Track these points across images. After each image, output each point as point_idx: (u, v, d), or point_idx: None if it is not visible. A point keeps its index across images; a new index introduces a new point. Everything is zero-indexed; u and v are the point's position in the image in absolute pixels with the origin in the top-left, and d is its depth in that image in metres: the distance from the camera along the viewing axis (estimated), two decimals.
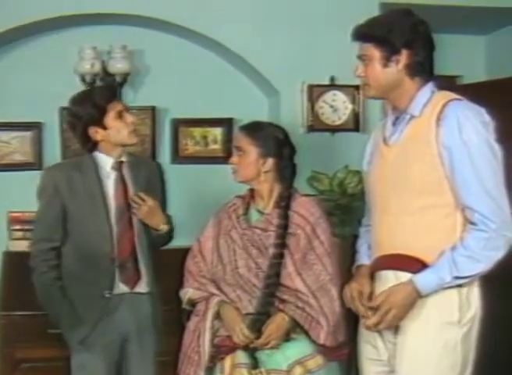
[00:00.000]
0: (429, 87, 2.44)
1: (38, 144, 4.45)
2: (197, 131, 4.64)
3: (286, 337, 2.80)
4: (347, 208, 4.10)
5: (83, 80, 4.33)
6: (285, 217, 2.87)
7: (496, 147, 2.33)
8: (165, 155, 4.61)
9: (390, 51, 2.40)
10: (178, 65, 4.57)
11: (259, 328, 2.77)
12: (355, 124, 4.47)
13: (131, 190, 3.07)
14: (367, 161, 2.66)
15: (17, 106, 4.37)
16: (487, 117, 2.36)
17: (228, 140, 4.53)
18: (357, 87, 4.30)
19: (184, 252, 3.04)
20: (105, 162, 3.07)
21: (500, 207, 2.30)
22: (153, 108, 4.53)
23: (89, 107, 3.00)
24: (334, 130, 4.49)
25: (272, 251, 2.84)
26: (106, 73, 4.38)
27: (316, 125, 4.45)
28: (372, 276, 2.52)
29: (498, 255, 2.31)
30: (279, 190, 2.94)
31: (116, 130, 3.03)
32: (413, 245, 2.39)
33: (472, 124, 2.31)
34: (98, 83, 4.31)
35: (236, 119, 4.50)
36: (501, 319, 3.50)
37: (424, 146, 2.35)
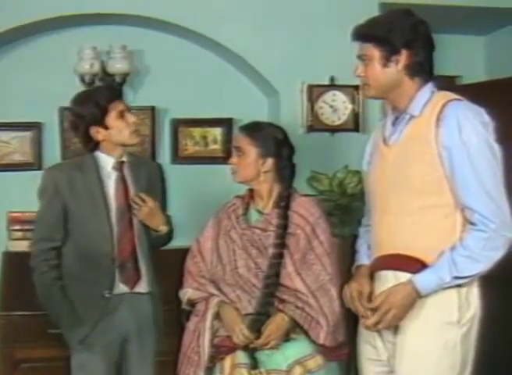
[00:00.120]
0: (429, 87, 2.44)
1: (38, 145, 4.45)
2: (197, 131, 4.64)
3: (286, 337, 2.80)
4: (347, 209, 4.10)
5: (82, 80, 4.33)
6: (284, 217, 2.87)
7: (496, 147, 2.33)
8: (164, 155, 4.61)
9: (390, 51, 2.40)
10: (178, 65, 4.57)
11: (259, 328, 2.77)
12: (355, 124, 4.47)
13: (132, 190, 3.07)
14: (366, 161, 2.66)
15: (17, 106, 4.36)
16: (487, 117, 2.36)
17: (228, 140, 4.53)
18: (356, 88, 4.31)
19: (184, 252, 3.04)
20: (106, 162, 3.08)
21: (500, 207, 2.30)
22: (152, 109, 4.53)
23: (91, 107, 3.00)
24: (334, 130, 4.49)
25: (271, 251, 2.84)
26: (105, 73, 4.38)
27: (316, 125, 4.45)
28: (372, 277, 2.53)
29: (497, 255, 2.31)
30: (279, 190, 2.94)
31: (118, 130, 3.03)
32: (412, 245, 2.39)
33: (472, 124, 2.31)
34: (98, 83, 4.31)
35: (236, 120, 4.50)
36: (500, 319, 3.50)
37: (424, 146, 2.35)
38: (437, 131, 2.33)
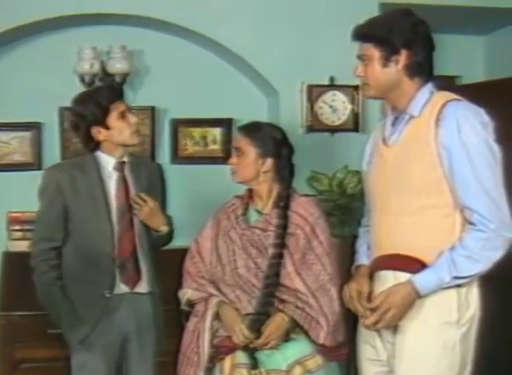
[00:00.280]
0: (428, 87, 2.44)
1: (38, 145, 4.44)
2: (197, 131, 4.64)
3: (286, 338, 2.80)
4: (347, 209, 4.11)
5: (82, 80, 4.33)
6: (284, 217, 2.87)
7: (495, 147, 2.33)
8: (164, 155, 4.61)
9: (390, 51, 2.40)
10: (177, 65, 4.57)
11: (258, 328, 2.77)
12: (354, 124, 4.47)
13: (132, 190, 3.08)
14: (366, 161, 2.66)
15: (17, 106, 4.37)
16: (486, 118, 2.36)
17: (227, 140, 4.54)
18: (356, 88, 4.31)
19: (184, 252, 3.04)
20: (107, 162, 3.08)
21: (499, 207, 2.30)
22: (152, 109, 4.53)
23: (92, 107, 3.00)
24: (333, 130, 4.49)
25: (271, 251, 2.84)
26: (105, 74, 4.38)
27: (315, 125, 4.45)
28: (371, 277, 2.53)
29: (497, 255, 2.31)
30: (278, 190, 2.94)
31: (119, 130, 3.03)
32: (412, 245, 2.39)
33: (471, 125, 2.31)
34: (97, 83, 4.31)
35: (236, 120, 4.50)
36: (500, 319, 3.50)
37: (424, 146, 2.35)
38: (436, 131, 2.34)
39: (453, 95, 2.42)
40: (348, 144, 4.34)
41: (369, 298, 2.47)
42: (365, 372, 2.59)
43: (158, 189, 3.21)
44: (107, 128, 3.02)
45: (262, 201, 2.95)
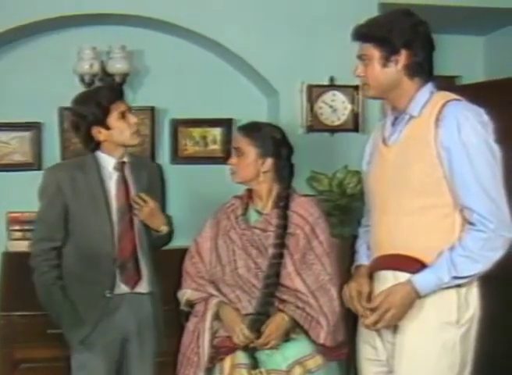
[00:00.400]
0: (428, 87, 2.44)
1: (37, 145, 4.44)
2: (197, 131, 4.64)
3: (286, 338, 2.80)
4: (346, 209, 4.11)
5: (82, 80, 4.33)
6: (284, 217, 2.87)
7: (495, 147, 2.33)
8: (164, 155, 4.60)
9: (390, 52, 2.40)
10: (177, 65, 4.57)
11: (258, 328, 2.77)
12: (354, 124, 4.47)
13: (133, 190, 3.08)
14: (366, 161, 2.66)
15: (16, 106, 4.36)
16: (486, 118, 2.36)
17: (227, 140, 4.53)
18: (356, 88, 4.31)
19: (183, 252, 3.04)
20: (107, 162, 3.08)
21: (499, 207, 2.30)
22: (152, 109, 4.53)
23: (93, 107, 3.01)
24: (333, 130, 4.48)
25: (271, 251, 2.84)
26: (105, 74, 4.38)
27: (315, 125, 4.44)
28: (371, 277, 2.53)
29: (496, 255, 2.31)
30: (278, 190, 2.94)
31: (119, 130, 3.03)
32: (412, 245, 2.39)
33: (471, 125, 2.31)
34: (97, 83, 4.30)
35: (236, 120, 4.50)
36: (500, 319, 3.50)
37: (424, 146, 2.35)
38: (436, 131, 2.34)
39: (452, 95, 2.42)
40: (348, 144, 4.34)
41: (369, 297, 2.47)
42: (365, 372, 2.60)
43: (158, 189, 3.21)
44: (107, 128, 3.02)
45: (262, 202, 2.95)
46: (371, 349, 2.54)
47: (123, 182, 3.08)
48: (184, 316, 2.98)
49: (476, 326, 2.41)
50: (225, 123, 4.61)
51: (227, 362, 2.80)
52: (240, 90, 4.64)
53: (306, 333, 2.80)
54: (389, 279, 2.43)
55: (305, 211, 2.90)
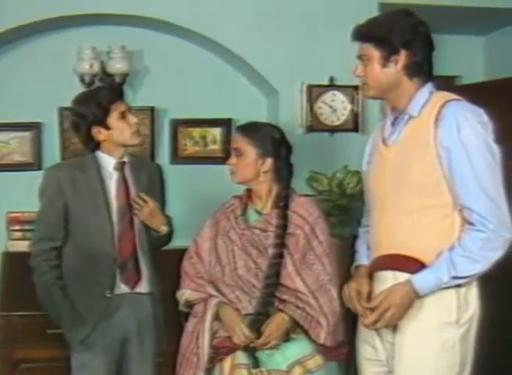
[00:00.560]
0: (428, 87, 2.44)
1: (37, 145, 4.44)
2: (196, 131, 4.64)
3: (286, 338, 2.80)
4: (346, 209, 4.11)
5: (82, 80, 4.33)
6: (284, 217, 2.87)
7: (495, 147, 2.34)
8: (164, 155, 4.60)
9: (389, 52, 2.40)
10: (177, 65, 4.57)
11: (258, 328, 2.76)
12: (354, 124, 4.47)
13: (133, 190, 3.08)
14: (366, 161, 2.66)
15: (16, 106, 4.36)
16: (485, 118, 2.36)
17: (227, 140, 4.53)
18: (356, 88, 4.31)
19: (183, 253, 3.04)
20: (107, 162, 3.08)
21: (498, 207, 2.30)
22: (152, 109, 4.53)
23: (93, 107, 3.01)
24: (333, 130, 4.48)
25: (271, 251, 2.84)
26: (105, 74, 4.38)
27: (315, 125, 4.44)
28: (371, 277, 2.53)
29: (496, 255, 2.31)
30: (277, 190, 2.94)
31: (119, 130, 3.03)
32: (412, 245, 2.39)
33: (471, 125, 2.31)
34: (97, 83, 4.30)
35: (235, 120, 4.50)
36: (499, 319, 3.50)
37: (423, 146, 2.36)
38: (436, 131, 2.34)
39: (452, 95, 2.42)
40: (348, 145, 4.34)
41: (369, 297, 2.47)
42: (365, 372, 2.60)
43: (158, 189, 3.22)
44: (107, 128, 3.02)
45: (261, 202, 2.95)
46: (370, 349, 2.54)
47: (123, 182, 3.08)
48: (183, 317, 2.97)
49: (476, 326, 2.41)
50: (225, 123, 4.61)
51: (227, 363, 2.80)
52: (240, 90, 4.64)
53: (306, 333, 2.80)
54: (388, 279, 2.43)
55: (305, 211, 2.90)
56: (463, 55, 5.08)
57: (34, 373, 3.79)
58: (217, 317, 2.85)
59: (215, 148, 4.65)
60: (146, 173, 3.17)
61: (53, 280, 3.00)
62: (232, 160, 2.95)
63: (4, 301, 3.92)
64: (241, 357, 2.78)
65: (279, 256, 2.83)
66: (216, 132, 4.64)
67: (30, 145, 4.44)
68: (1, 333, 3.86)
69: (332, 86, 4.45)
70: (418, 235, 2.38)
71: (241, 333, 2.76)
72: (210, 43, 4.42)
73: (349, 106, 4.47)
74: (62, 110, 4.32)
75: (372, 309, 2.41)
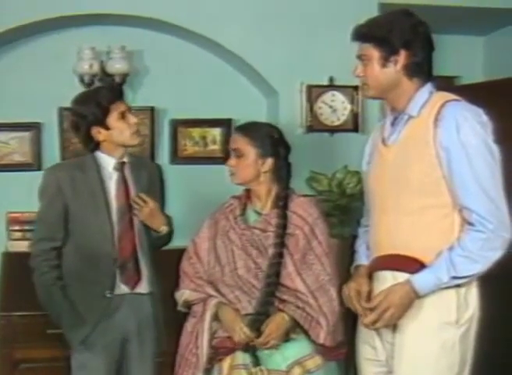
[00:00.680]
0: (427, 87, 2.44)
1: (37, 145, 4.44)
2: (196, 132, 4.64)
3: (286, 337, 2.80)
4: (346, 209, 4.11)
5: (81, 80, 4.33)
6: (283, 217, 2.87)
7: (494, 148, 2.34)
8: (163, 155, 4.60)
9: (389, 52, 2.40)
10: (177, 65, 4.57)
11: (258, 328, 2.76)
12: (354, 125, 4.47)
13: (133, 191, 3.08)
14: (366, 161, 2.66)
15: (16, 106, 4.36)
16: (485, 118, 2.36)
17: (227, 140, 4.50)
18: (355, 88, 4.31)
19: (182, 253, 3.04)
20: (107, 162, 3.08)
21: (498, 207, 2.30)
22: (152, 109, 4.53)
23: (92, 107, 3.01)
24: (333, 130, 4.49)
25: (271, 251, 2.84)
26: (105, 74, 4.38)
27: (315, 125, 4.45)
28: (371, 277, 2.53)
29: (495, 255, 2.31)
30: (277, 190, 2.93)
31: (119, 130, 3.03)
32: (411, 245, 2.39)
33: (470, 125, 2.31)
34: (97, 83, 4.30)
35: (235, 120, 4.50)
36: (499, 319, 3.50)
37: (423, 146, 2.36)
38: (435, 132, 2.34)
39: (452, 96, 2.42)
40: (347, 145, 4.34)
41: (368, 297, 2.47)
42: (364, 372, 2.60)
43: (157, 189, 3.22)
44: (107, 128, 3.02)
45: (261, 202, 2.94)
46: (370, 349, 2.54)
47: (123, 182, 3.08)
48: (183, 317, 2.97)
49: (475, 326, 2.41)
50: (225, 124, 4.61)
51: (226, 363, 2.79)
52: (240, 90, 4.64)
53: (306, 333, 2.80)
54: (388, 279, 2.43)
55: (304, 211, 2.90)
56: (463, 55, 5.08)
57: (34, 373, 3.79)
58: (216, 317, 2.85)
59: (215, 148, 4.65)
60: (146, 173, 3.17)
61: (53, 280, 3.00)
62: (232, 161, 2.94)
63: (4, 301, 3.92)
64: (240, 358, 2.78)
65: (279, 256, 2.83)
66: (216, 132, 4.64)
67: (29, 145, 4.44)
68: (1, 333, 3.86)
69: (331, 86, 4.45)
70: (418, 235, 2.38)
71: (241, 331, 2.76)
72: (210, 43, 4.42)
73: (349, 106, 4.47)
74: (61, 110, 4.32)
75: (372, 309, 2.41)
